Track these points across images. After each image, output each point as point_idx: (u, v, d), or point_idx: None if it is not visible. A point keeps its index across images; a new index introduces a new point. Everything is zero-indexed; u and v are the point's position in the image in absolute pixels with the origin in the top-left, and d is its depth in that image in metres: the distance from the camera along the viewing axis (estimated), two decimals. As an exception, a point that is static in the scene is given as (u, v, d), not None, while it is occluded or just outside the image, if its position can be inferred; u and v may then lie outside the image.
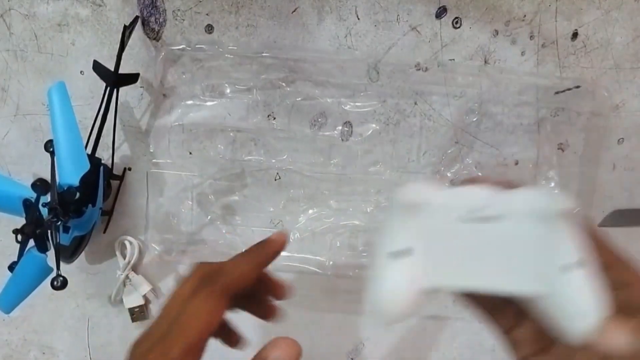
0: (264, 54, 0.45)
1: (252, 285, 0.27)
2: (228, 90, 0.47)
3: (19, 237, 0.39)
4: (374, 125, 0.47)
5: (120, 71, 0.44)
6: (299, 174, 0.48)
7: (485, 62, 0.46)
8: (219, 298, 0.25)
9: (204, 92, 0.47)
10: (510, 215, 0.21)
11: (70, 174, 0.40)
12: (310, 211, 0.49)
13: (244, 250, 0.29)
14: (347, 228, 0.49)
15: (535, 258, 0.20)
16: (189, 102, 0.47)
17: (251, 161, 0.48)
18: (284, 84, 0.46)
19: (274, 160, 0.48)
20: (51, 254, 0.40)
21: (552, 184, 0.48)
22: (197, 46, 0.45)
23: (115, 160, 0.47)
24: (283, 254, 0.43)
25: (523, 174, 0.48)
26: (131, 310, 0.51)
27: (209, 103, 0.47)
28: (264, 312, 0.30)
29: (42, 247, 0.39)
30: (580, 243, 0.21)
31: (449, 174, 0.48)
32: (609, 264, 0.22)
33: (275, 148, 0.48)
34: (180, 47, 0.45)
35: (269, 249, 0.29)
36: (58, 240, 0.39)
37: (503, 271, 0.21)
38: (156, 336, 0.24)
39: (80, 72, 0.47)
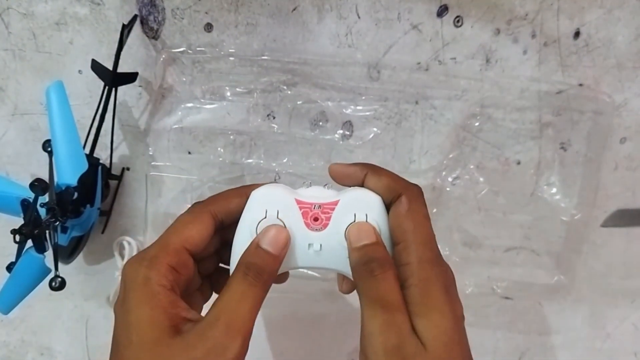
0: (264, 57, 0.45)
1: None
2: (228, 93, 0.46)
3: (17, 237, 0.38)
4: (375, 129, 0.47)
5: (119, 70, 0.43)
6: (299, 177, 0.48)
7: (486, 61, 0.45)
8: (202, 214, 0.29)
9: (204, 94, 0.46)
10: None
11: (69, 173, 0.39)
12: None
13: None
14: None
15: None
16: (189, 104, 0.47)
17: (251, 164, 0.48)
18: (284, 86, 0.46)
19: (274, 164, 0.48)
20: (49, 254, 0.39)
21: (554, 189, 0.48)
22: (197, 49, 0.45)
23: (113, 160, 0.47)
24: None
25: (525, 174, 0.48)
26: (130, 311, 0.50)
27: (208, 106, 0.47)
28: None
29: (40, 248, 0.39)
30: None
31: (450, 179, 0.48)
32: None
33: (276, 151, 0.48)
34: (181, 49, 0.45)
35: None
36: (56, 241, 0.39)
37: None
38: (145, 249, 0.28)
39: (79, 71, 0.46)
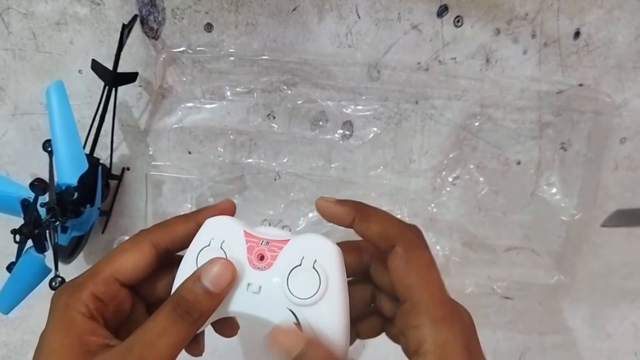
0: (264, 57, 0.45)
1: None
2: (228, 93, 0.46)
3: (17, 237, 0.38)
4: (375, 129, 0.47)
5: (119, 70, 0.43)
6: (299, 176, 0.48)
7: (486, 61, 0.45)
8: (141, 243, 0.27)
9: (204, 94, 0.46)
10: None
11: (69, 173, 0.39)
12: (311, 215, 0.48)
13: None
14: (347, 232, 0.49)
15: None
16: (189, 104, 0.47)
17: (251, 164, 0.48)
18: (284, 86, 0.46)
19: (274, 163, 0.48)
20: (49, 254, 0.39)
21: (554, 189, 0.48)
22: (197, 49, 0.45)
23: (113, 160, 0.47)
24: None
25: (525, 174, 0.48)
26: (130, 311, 0.50)
27: (209, 106, 0.47)
28: (222, 329, 0.30)
29: (41, 248, 0.39)
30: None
31: (450, 179, 0.48)
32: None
33: (276, 150, 0.48)
34: (181, 49, 0.45)
35: (214, 212, 0.29)
36: (56, 241, 0.39)
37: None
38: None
39: (79, 71, 0.46)
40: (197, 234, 0.27)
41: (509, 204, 0.48)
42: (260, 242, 0.27)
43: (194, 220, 0.28)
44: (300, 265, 0.25)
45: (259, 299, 0.26)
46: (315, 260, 0.25)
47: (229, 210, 0.30)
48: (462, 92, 0.46)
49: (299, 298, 0.25)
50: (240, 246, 0.26)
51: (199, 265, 0.26)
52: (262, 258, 0.26)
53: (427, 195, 0.48)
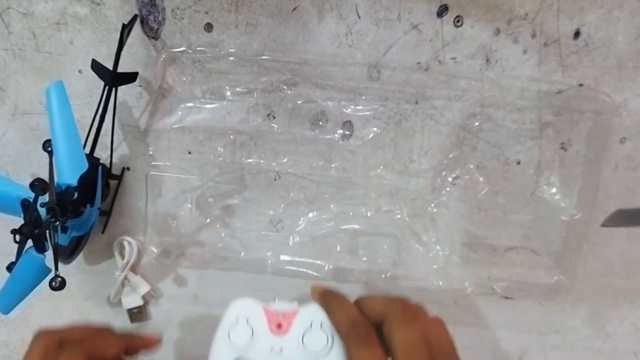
0: (264, 56, 0.45)
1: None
2: (228, 93, 0.46)
3: (17, 237, 0.38)
4: (375, 129, 0.47)
5: (119, 70, 0.43)
6: (299, 177, 0.48)
7: (486, 61, 0.45)
8: None
9: (204, 94, 0.46)
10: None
11: (69, 173, 0.39)
12: (311, 215, 0.49)
13: (119, 330, 0.35)
14: (347, 232, 0.49)
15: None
16: (189, 104, 0.47)
17: (251, 164, 0.48)
18: (284, 86, 0.46)
19: (274, 163, 0.48)
20: (49, 254, 0.39)
21: (554, 189, 0.48)
22: (197, 49, 0.45)
23: (113, 160, 0.47)
24: (282, 257, 0.46)
25: (525, 174, 0.48)
26: (130, 311, 0.50)
27: (208, 106, 0.47)
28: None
29: (41, 248, 0.39)
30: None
31: (450, 179, 0.48)
32: None
33: (276, 150, 0.48)
34: (181, 49, 0.45)
35: (140, 343, 0.35)
36: (56, 241, 0.39)
37: None
38: None
39: (79, 71, 0.46)
40: (225, 315, 0.35)
41: (509, 204, 0.48)
42: (278, 314, 0.34)
43: (124, 345, 0.33)
44: (310, 327, 0.33)
45: (282, 357, 0.33)
46: (322, 323, 0.33)
47: (157, 343, 0.37)
48: (462, 92, 0.46)
49: (314, 352, 0.32)
50: (261, 320, 0.34)
51: (232, 340, 0.33)
52: (279, 326, 0.34)
53: (427, 195, 0.48)
